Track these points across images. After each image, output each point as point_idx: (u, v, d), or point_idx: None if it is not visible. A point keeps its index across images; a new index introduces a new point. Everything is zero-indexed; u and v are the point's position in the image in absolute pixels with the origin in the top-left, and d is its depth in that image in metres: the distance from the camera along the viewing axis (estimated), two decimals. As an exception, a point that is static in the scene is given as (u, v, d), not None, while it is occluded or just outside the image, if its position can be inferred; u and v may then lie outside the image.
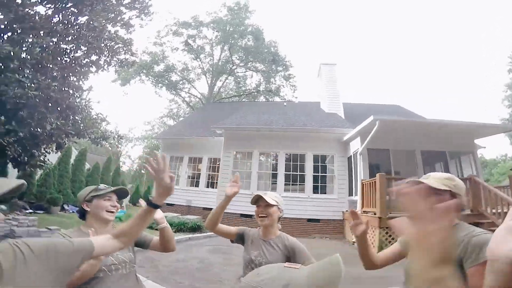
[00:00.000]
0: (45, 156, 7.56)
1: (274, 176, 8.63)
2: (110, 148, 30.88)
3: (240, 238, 1.71)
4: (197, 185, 10.50)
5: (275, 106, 13.76)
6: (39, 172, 10.38)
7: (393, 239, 5.49)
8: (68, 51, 7.63)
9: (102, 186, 1.54)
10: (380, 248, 5.50)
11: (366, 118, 6.84)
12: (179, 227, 7.48)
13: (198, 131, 11.41)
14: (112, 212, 1.46)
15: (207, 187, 10.26)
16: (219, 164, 9.57)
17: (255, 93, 24.36)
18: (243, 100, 22.91)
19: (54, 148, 7.48)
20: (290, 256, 1.57)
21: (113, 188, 1.50)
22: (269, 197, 1.62)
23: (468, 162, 8.06)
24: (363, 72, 77.58)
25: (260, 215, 1.65)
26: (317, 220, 8.10)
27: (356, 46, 76.70)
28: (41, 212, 8.84)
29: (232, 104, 17.90)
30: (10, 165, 7.94)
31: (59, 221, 7.55)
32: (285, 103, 14.28)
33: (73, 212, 10.54)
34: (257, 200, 1.65)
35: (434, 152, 7.87)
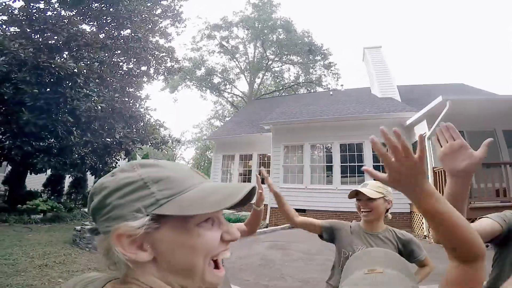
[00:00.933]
0: (116, 163, 8.37)
1: (329, 168, 8.21)
2: (166, 152, 33.42)
3: (328, 232, 1.53)
4: (249, 181, 10.63)
5: (321, 96, 13.19)
6: None
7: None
8: (121, 63, 8.32)
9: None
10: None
11: (427, 100, 6.12)
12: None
13: (246, 128, 11.54)
14: None
15: (259, 183, 10.34)
16: (269, 160, 9.52)
17: (295, 86, 23.84)
18: (283, 94, 22.58)
19: (123, 155, 8.22)
20: (402, 250, 1.42)
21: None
22: (370, 188, 1.44)
23: None
24: (409, 53, 70.51)
25: (363, 210, 1.47)
26: (382, 214, 7.52)
27: (396, 27, 69.97)
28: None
29: (274, 99, 17.74)
30: (88, 173, 9.03)
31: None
32: (331, 92, 13.63)
33: None
34: (356, 194, 1.48)
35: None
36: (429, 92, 9.93)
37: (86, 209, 8.77)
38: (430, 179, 6.15)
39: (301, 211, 7.43)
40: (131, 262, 0.40)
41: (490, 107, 6.28)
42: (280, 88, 24.76)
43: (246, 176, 10.92)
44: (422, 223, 6.56)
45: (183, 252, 0.41)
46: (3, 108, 6.19)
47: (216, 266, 0.45)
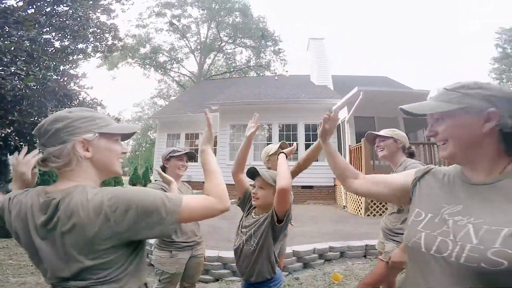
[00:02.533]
0: None
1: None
2: None
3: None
4: (195, 160, 10.95)
5: (267, 80, 14.00)
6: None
7: (380, 203, 6.08)
8: (53, 40, 7.68)
9: (178, 148, 2.12)
10: (367, 209, 6.16)
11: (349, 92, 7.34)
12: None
13: (193, 108, 11.66)
14: (183, 169, 2.06)
15: (206, 161, 10.75)
16: (216, 139, 10.01)
17: (246, 68, 24.29)
18: (234, 76, 22.89)
19: None
20: None
21: (185, 151, 2.08)
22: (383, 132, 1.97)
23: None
24: (353, 45, 76.45)
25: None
26: (310, 187, 8.75)
27: (346, 20, 74.89)
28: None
29: (223, 80, 17.96)
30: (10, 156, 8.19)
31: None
32: (276, 77, 14.52)
33: None
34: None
35: (416, 119, 8.48)
36: (357, 83, 11.54)
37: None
38: (347, 155, 7.51)
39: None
40: (80, 158, 0.76)
41: (393, 98, 7.78)
42: (231, 70, 24.92)
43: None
44: (342, 195, 7.96)
45: (108, 153, 0.81)
46: None
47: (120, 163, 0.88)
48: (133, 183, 18.31)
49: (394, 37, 77.71)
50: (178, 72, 25.48)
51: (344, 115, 8.03)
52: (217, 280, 3.12)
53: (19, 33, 6.33)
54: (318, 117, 7.22)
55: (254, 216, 1.57)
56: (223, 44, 23.75)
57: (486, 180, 0.69)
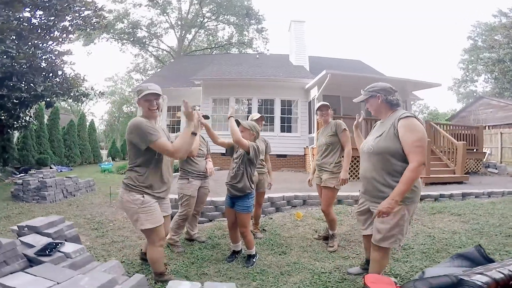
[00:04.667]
0: (30, 117, 8.16)
1: (271, 119, 9.96)
2: (69, 108, 29.64)
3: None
4: (178, 131, 11.57)
5: (249, 58, 14.53)
6: (16, 135, 10.40)
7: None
8: (35, 20, 7.71)
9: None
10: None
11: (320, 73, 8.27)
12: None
13: (174, 82, 12.03)
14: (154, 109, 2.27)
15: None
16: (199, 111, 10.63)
17: (228, 45, 24.28)
18: (215, 52, 22.89)
19: (44, 107, 7.97)
20: None
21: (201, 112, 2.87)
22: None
23: (403, 109, 10.02)
24: (333, 29, 76.77)
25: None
26: (284, 156, 9.82)
27: (329, 3, 74.41)
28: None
29: (204, 56, 18.09)
30: None
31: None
32: (257, 56, 15.09)
33: (61, 171, 10.73)
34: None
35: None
36: (331, 65, 12.50)
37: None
38: (315, 126, 8.59)
39: (222, 154, 9.13)
40: (139, 106, 2.06)
41: (356, 81, 8.77)
42: (213, 46, 24.78)
43: (175, 126, 11.72)
44: (310, 163, 9.06)
45: (144, 106, 1.96)
46: None
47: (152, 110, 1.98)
48: (112, 156, 18.41)
49: (378, 23, 79.04)
50: (157, 47, 24.89)
51: (315, 93, 9.03)
52: (210, 220, 4.00)
53: (7, 13, 6.46)
54: (293, 94, 8.52)
55: (238, 151, 2.53)
56: (206, 20, 23.34)
57: (383, 120, 1.95)
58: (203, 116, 2.54)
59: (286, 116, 10.02)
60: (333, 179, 2.86)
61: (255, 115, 3.41)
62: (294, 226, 3.76)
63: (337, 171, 2.88)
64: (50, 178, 5.61)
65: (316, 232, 3.48)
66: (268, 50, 20.51)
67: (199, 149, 2.89)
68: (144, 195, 1.83)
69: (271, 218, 4.10)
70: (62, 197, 5.52)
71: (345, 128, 2.91)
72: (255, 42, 23.63)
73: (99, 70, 62.62)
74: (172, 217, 2.64)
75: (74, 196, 5.78)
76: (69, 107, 29.83)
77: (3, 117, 7.43)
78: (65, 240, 2.10)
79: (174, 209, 4.05)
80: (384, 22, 77.63)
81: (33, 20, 7.74)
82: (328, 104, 3.08)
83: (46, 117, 12.42)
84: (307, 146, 9.47)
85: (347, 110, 9.11)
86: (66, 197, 5.60)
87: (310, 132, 9.67)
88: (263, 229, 3.55)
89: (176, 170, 3.33)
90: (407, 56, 71.64)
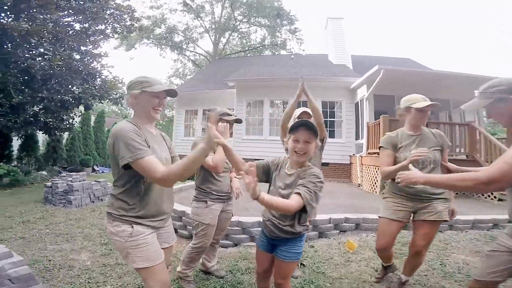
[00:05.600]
0: (73, 119, 8.30)
1: None
2: (119, 112, 31.47)
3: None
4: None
5: (283, 59, 13.77)
6: (65, 137, 11.21)
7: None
8: (73, 23, 7.84)
9: (229, 111, 2.19)
10: (382, 187, 6.16)
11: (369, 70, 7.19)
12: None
13: (210, 85, 11.73)
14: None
15: (222, 136, 10.94)
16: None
17: (261, 47, 23.85)
18: (249, 55, 22.57)
19: (83, 109, 8.10)
20: None
21: (235, 117, 2.17)
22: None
23: (471, 111, 8.44)
24: (375, 26, 72.98)
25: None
26: (326, 164, 8.71)
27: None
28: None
29: (238, 59, 17.77)
30: (40, 133, 8.66)
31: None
32: (292, 56, 14.25)
33: (102, 172, 11.63)
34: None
35: (438, 100, 8.22)
36: (378, 63, 11.17)
37: (45, 172, 8.57)
38: (365, 132, 7.47)
39: (261, 159, 8.39)
40: (132, 104, 1.39)
41: (416, 78, 7.55)
42: (246, 48, 24.55)
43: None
44: (357, 173, 7.95)
45: (145, 104, 1.38)
46: None
47: (156, 113, 1.43)
48: None
49: (420, 19, 73.46)
50: (194, 52, 25.42)
51: (363, 93, 7.90)
52: (236, 245, 3.23)
53: (42, 16, 6.56)
54: (336, 95, 7.22)
55: (288, 173, 1.54)
56: (238, 23, 23.29)
57: None
58: (235, 120, 2.16)
59: (328, 119, 8.96)
60: (446, 210, 1.98)
61: (298, 110, 2.46)
62: (344, 261, 2.82)
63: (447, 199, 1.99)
64: (78, 182, 5.49)
65: (376, 271, 2.54)
66: (303, 50, 19.57)
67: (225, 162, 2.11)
68: (134, 225, 1.32)
69: (313, 247, 3.18)
70: (89, 202, 5.38)
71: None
72: (288, 43, 22.91)
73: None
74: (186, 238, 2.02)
75: (101, 201, 5.63)
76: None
77: (50, 120, 7.58)
78: (10, 281, 1.62)
79: (176, 221, 3.51)
80: (424, 19, 71.82)
81: (72, 24, 7.82)
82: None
83: (92, 119, 13.26)
84: (353, 154, 8.34)
85: (402, 112, 7.78)
86: (93, 201, 5.46)
87: (357, 138, 8.52)
88: (301, 264, 2.67)
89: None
90: (453, 53, 65.10)
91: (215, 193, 2.17)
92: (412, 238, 2.04)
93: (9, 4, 6.13)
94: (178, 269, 2.23)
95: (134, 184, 1.31)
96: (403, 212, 2.01)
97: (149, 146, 1.29)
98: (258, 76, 9.86)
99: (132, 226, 1.30)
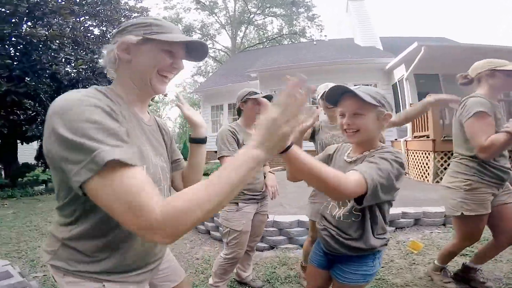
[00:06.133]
0: None
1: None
2: (151, 114, 32.85)
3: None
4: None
5: (305, 46, 13.16)
6: None
7: (448, 163, 5.33)
8: (91, 28, 7.92)
9: (256, 90, 1.90)
10: (436, 174, 5.49)
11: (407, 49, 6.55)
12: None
13: (232, 79, 11.49)
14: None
15: (250, 128, 10.70)
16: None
17: (279, 37, 23.25)
18: (267, 46, 22.10)
19: None
20: None
21: (264, 94, 1.82)
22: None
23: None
24: (395, 7, 69.03)
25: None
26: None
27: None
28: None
29: (258, 50, 17.34)
30: None
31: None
32: (315, 42, 13.60)
33: None
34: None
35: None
36: (410, 43, 10.29)
37: None
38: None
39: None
40: (119, 59, 0.72)
41: (462, 54, 6.72)
42: (264, 40, 24.08)
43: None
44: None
45: (148, 61, 0.72)
46: None
47: (163, 81, 0.76)
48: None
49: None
50: (213, 48, 25.40)
51: (401, 73, 7.22)
52: (272, 247, 2.87)
53: (58, 21, 6.61)
54: (369, 77, 6.53)
55: (349, 160, 1.10)
56: (252, 15, 22.89)
57: None
58: (265, 96, 1.73)
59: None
60: None
61: (322, 87, 1.96)
62: (408, 264, 2.36)
63: None
64: None
65: (450, 273, 2.06)
66: (325, 35, 18.72)
67: None
68: (105, 283, 0.69)
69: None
70: None
71: None
72: (308, 30, 22.07)
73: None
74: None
75: None
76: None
77: None
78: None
79: (207, 222, 3.03)
80: None
81: (91, 28, 7.93)
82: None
83: None
84: (395, 139, 7.67)
85: (449, 92, 6.98)
86: None
87: (397, 122, 7.84)
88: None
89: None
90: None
91: (248, 193, 1.80)
92: (500, 227, 1.69)
93: (24, 12, 6.22)
94: (210, 281, 1.92)
95: (99, 216, 0.65)
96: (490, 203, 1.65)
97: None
98: (281, 64, 9.41)
99: (104, 285, 0.69)
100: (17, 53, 6.23)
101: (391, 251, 2.64)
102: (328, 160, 1.20)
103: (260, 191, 1.87)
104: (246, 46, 24.27)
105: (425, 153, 5.59)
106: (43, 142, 0.60)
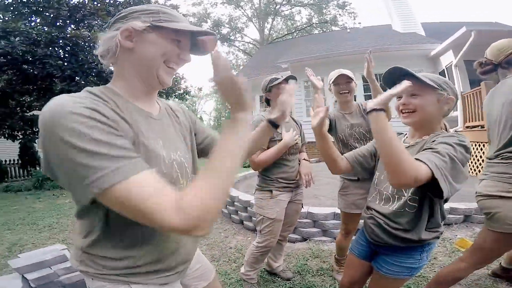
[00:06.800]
0: None
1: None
2: (187, 108, 34.03)
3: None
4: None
5: (338, 34, 12.59)
6: None
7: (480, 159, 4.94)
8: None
9: (277, 75, 1.81)
10: (473, 169, 5.03)
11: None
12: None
13: (263, 70, 11.35)
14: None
15: (283, 121, 10.58)
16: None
17: (309, 27, 22.53)
18: (296, 37, 21.55)
19: None
20: None
21: (283, 77, 1.75)
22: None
23: None
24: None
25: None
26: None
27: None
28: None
29: (287, 41, 16.94)
30: None
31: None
32: (348, 30, 12.93)
33: None
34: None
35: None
36: (456, 28, 9.35)
37: None
38: (459, 104, 6.17)
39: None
40: (120, 48, 0.63)
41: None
42: (293, 31, 23.51)
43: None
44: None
45: (154, 50, 0.64)
46: (39, 83, 6.50)
47: (170, 73, 0.69)
48: None
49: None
50: (242, 41, 25.45)
51: (449, 59, 6.56)
52: (305, 239, 2.79)
53: (98, 22, 6.93)
54: (413, 65, 5.99)
55: (405, 145, 1.04)
56: (278, 6, 22.40)
57: None
58: (286, 78, 1.72)
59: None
60: None
61: (334, 73, 1.84)
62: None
63: None
64: None
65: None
66: (360, 23, 17.76)
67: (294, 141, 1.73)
68: (132, 286, 0.68)
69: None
70: None
71: None
72: (340, 19, 21.07)
73: (201, 73, 71.96)
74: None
75: None
76: (186, 108, 34.13)
77: None
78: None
79: (241, 211, 2.99)
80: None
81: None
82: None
83: None
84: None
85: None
86: None
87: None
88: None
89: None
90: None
91: (282, 181, 1.74)
92: None
93: (66, 15, 6.57)
94: (242, 270, 1.93)
95: (122, 223, 0.62)
96: None
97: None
98: (313, 53, 9.05)
99: (130, 286, 0.68)
100: (66, 55, 6.67)
101: (436, 248, 2.46)
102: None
103: (295, 179, 1.80)
104: (275, 38, 23.89)
105: (479, 145, 5.10)
106: (41, 151, 0.54)
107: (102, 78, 6.72)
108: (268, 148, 1.67)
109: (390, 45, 8.03)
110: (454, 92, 0.97)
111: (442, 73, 7.17)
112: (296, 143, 1.76)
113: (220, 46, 25.40)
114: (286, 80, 1.74)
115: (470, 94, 5.40)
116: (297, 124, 1.94)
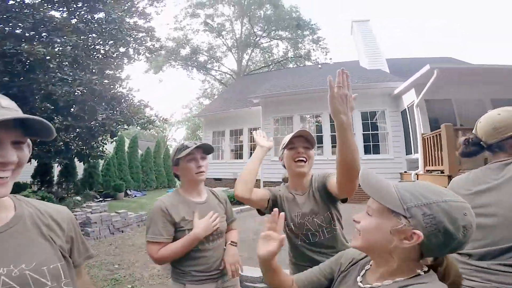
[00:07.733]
0: (103, 146, 8.12)
1: (319, 139, 8.21)
2: (157, 134, 32.86)
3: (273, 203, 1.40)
4: (240, 157, 10.54)
5: (309, 70, 13.02)
6: (101, 162, 11.45)
7: None
8: (97, 46, 7.86)
9: (187, 143, 1.43)
10: None
11: (417, 72, 6.10)
12: (230, 201, 7.64)
13: (235, 104, 11.31)
14: (201, 172, 1.42)
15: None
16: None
17: (284, 61, 23.49)
18: (272, 69, 22.25)
19: (109, 137, 8.02)
20: None
21: (193, 147, 1.38)
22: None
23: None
24: (398, 29, 70.04)
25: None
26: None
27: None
28: (109, 199, 9.75)
29: (263, 74, 17.35)
30: (76, 160, 8.77)
31: (125, 206, 8.22)
32: (319, 65, 13.46)
33: (135, 196, 11.63)
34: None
35: (507, 100, 6.75)
36: (418, 65, 9.88)
37: (78, 197, 8.49)
38: (419, 146, 6.23)
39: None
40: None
41: (477, 76, 6.25)
42: (269, 63, 24.38)
43: (237, 152, 10.81)
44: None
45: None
46: None
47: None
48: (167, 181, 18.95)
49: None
50: (219, 71, 25.88)
51: (411, 98, 6.74)
52: None
53: (60, 40, 6.54)
54: (376, 103, 6.00)
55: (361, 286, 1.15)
56: (258, 38, 23.44)
57: None
58: (198, 147, 1.43)
59: (370, 132, 7.82)
60: None
61: (289, 136, 1.41)
62: None
63: None
64: (97, 213, 5.52)
65: None
66: (330, 59, 18.69)
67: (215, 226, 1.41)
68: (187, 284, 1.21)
69: None
70: (108, 233, 5.32)
71: None
72: (313, 53, 22.23)
73: (176, 99, 71.10)
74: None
75: (122, 232, 5.59)
76: (156, 134, 33.06)
77: (82, 147, 7.48)
78: None
79: None
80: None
81: (97, 47, 7.85)
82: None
83: (127, 145, 13.65)
84: (405, 171, 7.06)
85: (464, 118, 6.42)
86: (112, 233, 5.41)
87: (409, 153, 7.25)
88: None
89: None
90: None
91: (198, 274, 1.35)
92: None
93: (29, 28, 6.14)
94: None
95: None
96: None
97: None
98: (284, 89, 9.13)
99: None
100: (15, 72, 6.01)
101: None
102: (336, 266, 0.85)
103: (218, 269, 1.40)
104: (252, 69, 24.55)
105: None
106: None
107: (52, 101, 6.08)
108: (174, 239, 1.31)
109: (356, 83, 8.27)
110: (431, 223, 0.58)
111: (404, 112, 7.36)
112: (217, 228, 1.39)
113: (196, 73, 25.56)
114: (200, 148, 1.41)
115: (430, 137, 5.44)
116: (220, 201, 1.56)
